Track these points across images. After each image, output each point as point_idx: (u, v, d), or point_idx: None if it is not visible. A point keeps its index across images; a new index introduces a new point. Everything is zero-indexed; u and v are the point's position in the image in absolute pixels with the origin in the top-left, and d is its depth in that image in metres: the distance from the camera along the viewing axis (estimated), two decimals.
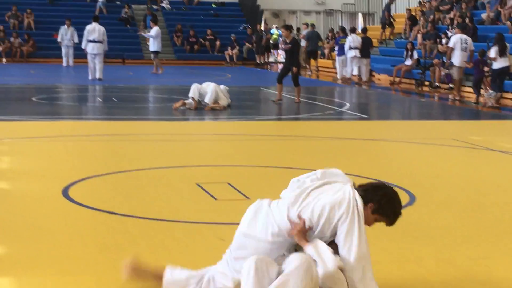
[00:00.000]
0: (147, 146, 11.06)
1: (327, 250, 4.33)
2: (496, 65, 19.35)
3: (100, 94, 20.75)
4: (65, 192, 7.56)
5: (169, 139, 11.93)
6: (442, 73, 23.36)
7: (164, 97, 19.67)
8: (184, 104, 16.09)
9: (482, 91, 20.53)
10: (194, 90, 16.12)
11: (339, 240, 4.38)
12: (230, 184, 8.16)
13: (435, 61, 23.90)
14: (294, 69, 17.67)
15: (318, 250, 4.34)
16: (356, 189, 4.55)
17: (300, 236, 4.41)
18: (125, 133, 12.42)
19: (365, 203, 4.48)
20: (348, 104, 18.96)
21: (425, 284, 5.02)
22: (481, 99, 19.88)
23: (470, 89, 21.58)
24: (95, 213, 6.78)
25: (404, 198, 7.73)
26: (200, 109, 16.03)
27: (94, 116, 15.57)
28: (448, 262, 5.56)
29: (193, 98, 16.00)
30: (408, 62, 25.25)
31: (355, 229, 4.35)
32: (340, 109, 17.87)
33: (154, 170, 9.07)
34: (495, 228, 6.65)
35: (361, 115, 16.86)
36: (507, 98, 20.74)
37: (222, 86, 16.46)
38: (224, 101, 16.30)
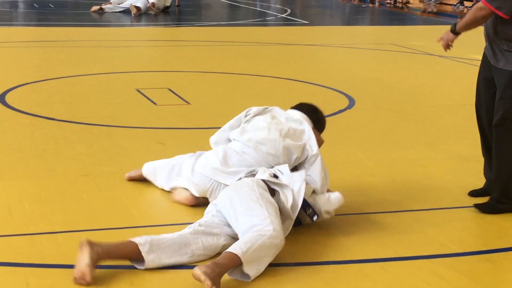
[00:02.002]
0: (85, 52, 10.89)
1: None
2: None
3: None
4: (1, 98, 7.43)
5: (108, 45, 11.75)
6: None
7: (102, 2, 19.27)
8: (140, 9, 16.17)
9: None
10: None
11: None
12: (170, 90, 8.11)
13: None
14: None
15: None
16: None
17: None
18: (63, 39, 12.18)
19: None
20: (289, 10, 18.84)
21: (363, 184, 5.11)
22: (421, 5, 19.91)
23: None
24: (33, 119, 6.70)
25: (343, 102, 7.80)
26: (139, 14, 15.84)
27: (30, 22, 15.21)
28: (386, 164, 5.66)
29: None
30: None
31: None
32: (281, 15, 17.77)
33: (93, 76, 8.95)
34: (431, 130, 6.76)
35: (302, 21, 16.79)
36: (446, 4, 20.85)
37: None
38: (159, 2, 16.49)
